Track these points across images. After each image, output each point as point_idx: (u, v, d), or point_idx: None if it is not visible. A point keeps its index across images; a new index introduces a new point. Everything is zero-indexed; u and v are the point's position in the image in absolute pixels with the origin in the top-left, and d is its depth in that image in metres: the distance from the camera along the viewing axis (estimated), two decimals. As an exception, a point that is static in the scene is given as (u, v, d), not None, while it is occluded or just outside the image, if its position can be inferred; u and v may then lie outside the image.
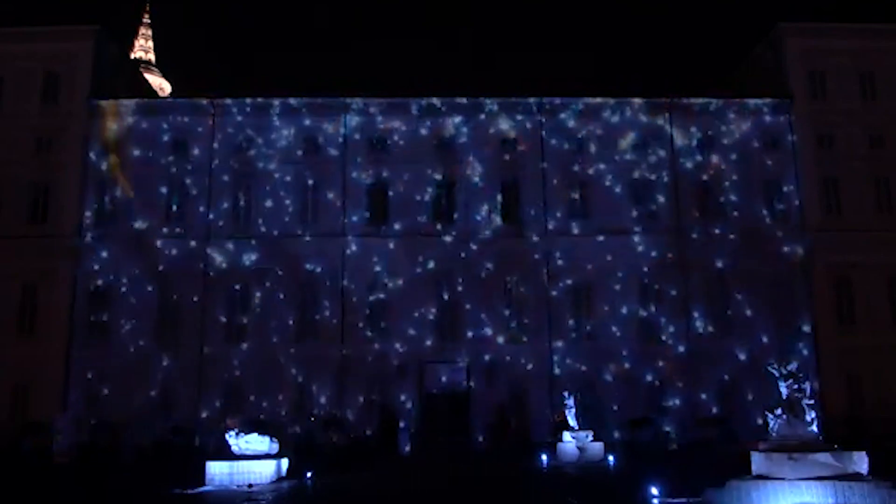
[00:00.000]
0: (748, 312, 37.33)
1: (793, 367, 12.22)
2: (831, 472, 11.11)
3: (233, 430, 19.68)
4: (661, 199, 38.82)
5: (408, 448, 31.63)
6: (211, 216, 38.03)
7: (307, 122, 39.22)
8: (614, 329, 37.22)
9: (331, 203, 38.31)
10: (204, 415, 35.38)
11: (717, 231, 38.42)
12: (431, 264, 37.43)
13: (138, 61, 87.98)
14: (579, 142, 39.38)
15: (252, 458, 19.09)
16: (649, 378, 36.86)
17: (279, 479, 19.52)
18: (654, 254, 37.99)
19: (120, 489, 19.61)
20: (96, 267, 37.07)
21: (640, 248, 38.04)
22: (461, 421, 35.93)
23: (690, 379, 36.71)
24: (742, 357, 36.67)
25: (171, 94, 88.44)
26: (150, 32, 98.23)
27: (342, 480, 20.49)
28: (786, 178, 39.16)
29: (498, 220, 38.47)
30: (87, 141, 38.49)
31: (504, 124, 39.42)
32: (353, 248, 37.79)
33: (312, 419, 35.52)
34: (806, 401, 11.93)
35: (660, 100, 40.14)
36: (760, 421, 12.87)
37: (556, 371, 36.63)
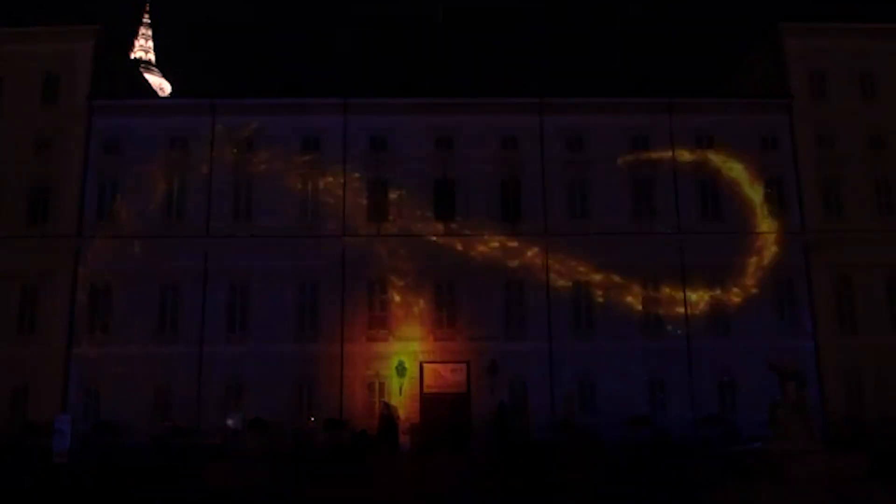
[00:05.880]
0: (748, 312, 37.30)
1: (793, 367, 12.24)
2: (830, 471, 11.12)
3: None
4: (661, 199, 38.79)
5: (408, 448, 31.56)
6: (211, 216, 38.01)
7: (307, 122, 39.17)
8: (614, 328, 37.18)
9: (330, 203, 38.27)
10: (204, 415, 35.34)
11: (716, 231, 38.40)
12: (431, 264, 37.40)
13: (138, 61, 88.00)
14: (579, 142, 39.35)
15: None
16: (649, 377, 36.82)
17: None
18: (654, 254, 37.96)
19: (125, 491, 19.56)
20: (96, 267, 37.04)
21: (640, 248, 38.00)
22: (461, 421, 35.88)
23: (691, 378, 36.69)
24: (742, 357, 36.62)
25: (171, 94, 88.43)
26: (150, 32, 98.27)
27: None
28: (786, 178, 39.15)
29: (498, 219, 38.44)
30: (87, 141, 38.47)
31: (504, 124, 39.39)
32: (353, 247, 37.78)
33: (312, 419, 35.51)
34: (806, 401, 11.95)
35: (660, 100, 40.15)
36: (761, 421, 12.88)
37: (556, 370, 36.60)
